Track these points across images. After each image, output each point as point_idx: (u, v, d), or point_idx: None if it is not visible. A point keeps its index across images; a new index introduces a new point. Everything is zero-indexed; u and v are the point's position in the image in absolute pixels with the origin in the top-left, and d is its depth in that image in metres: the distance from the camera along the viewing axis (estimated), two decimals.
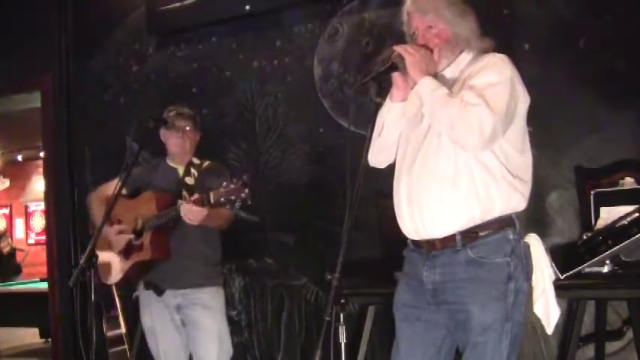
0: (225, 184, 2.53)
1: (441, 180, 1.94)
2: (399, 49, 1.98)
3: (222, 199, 2.52)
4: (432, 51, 2.00)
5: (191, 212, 2.63)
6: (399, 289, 2.14)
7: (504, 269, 1.92)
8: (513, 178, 1.95)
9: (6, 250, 10.01)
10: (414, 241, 2.08)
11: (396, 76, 2.04)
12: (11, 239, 10.63)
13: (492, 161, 1.93)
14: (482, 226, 1.93)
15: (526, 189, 2.00)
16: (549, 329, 2.13)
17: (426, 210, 1.96)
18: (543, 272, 2.13)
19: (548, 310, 2.12)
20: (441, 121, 1.91)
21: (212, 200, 2.56)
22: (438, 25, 2.00)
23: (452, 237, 1.94)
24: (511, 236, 1.95)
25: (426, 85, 1.93)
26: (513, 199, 1.95)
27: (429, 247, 2.00)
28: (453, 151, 1.92)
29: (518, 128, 1.98)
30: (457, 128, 1.86)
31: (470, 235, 1.93)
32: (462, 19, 2.00)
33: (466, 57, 2.05)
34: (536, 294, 2.11)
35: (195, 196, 2.63)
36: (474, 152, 1.90)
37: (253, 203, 2.59)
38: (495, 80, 1.90)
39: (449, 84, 2.00)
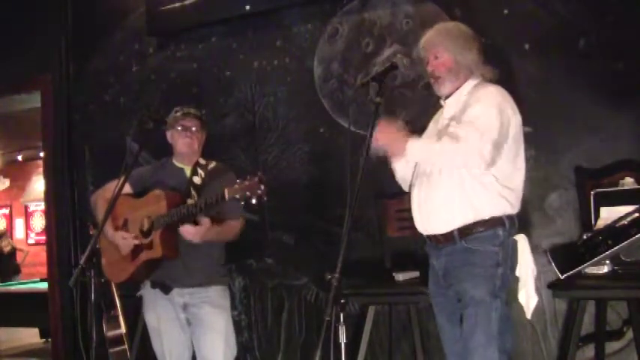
0: (239, 180, 2.53)
1: (441, 192, 2.32)
2: (377, 142, 2.28)
3: (237, 196, 2.52)
4: (437, 78, 2.41)
5: (187, 232, 2.73)
6: (429, 281, 2.54)
7: (494, 257, 2.28)
8: (502, 187, 2.30)
9: (7, 249, 10.03)
10: (427, 236, 2.46)
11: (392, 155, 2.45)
12: (11, 239, 10.64)
13: (484, 175, 2.28)
14: (476, 224, 2.29)
15: (513, 196, 2.34)
16: (528, 315, 2.42)
17: (430, 214, 2.37)
18: (527, 267, 2.41)
19: (528, 298, 2.39)
20: (443, 164, 2.31)
21: (227, 197, 2.56)
22: (443, 55, 2.37)
23: (451, 233, 2.33)
24: (500, 233, 2.30)
25: (412, 151, 2.29)
26: (501, 205, 2.31)
27: (436, 241, 2.40)
28: (451, 173, 2.30)
29: (509, 143, 2.30)
30: (460, 162, 2.25)
31: (465, 231, 2.30)
32: (465, 49, 2.36)
33: (470, 84, 2.39)
34: (520, 285, 2.41)
35: (206, 220, 2.72)
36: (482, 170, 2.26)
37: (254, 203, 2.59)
38: (483, 111, 2.24)
39: (455, 109, 2.37)
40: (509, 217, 2.32)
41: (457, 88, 2.40)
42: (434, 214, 2.35)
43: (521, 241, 2.42)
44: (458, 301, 2.36)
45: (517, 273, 2.42)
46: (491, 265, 2.26)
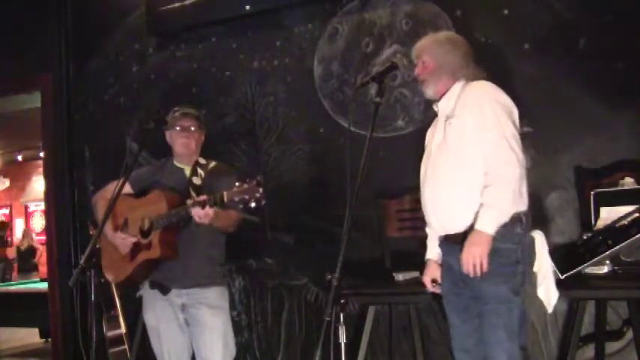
0: (238, 183, 2.51)
1: (459, 190, 2.34)
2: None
3: (235, 199, 2.50)
4: (422, 81, 2.55)
5: (201, 213, 2.62)
6: (442, 279, 2.55)
7: (513, 254, 2.30)
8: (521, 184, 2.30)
9: (24, 247, 10.22)
10: (444, 236, 2.48)
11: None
12: (32, 239, 10.79)
13: None
14: None
15: (526, 192, 2.35)
16: (550, 309, 2.42)
17: (449, 213, 2.39)
18: (547, 262, 2.43)
19: (549, 293, 2.41)
20: (513, 195, 2.28)
21: (225, 199, 2.54)
22: (426, 59, 2.52)
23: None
24: (518, 230, 2.31)
25: (491, 228, 2.27)
26: (518, 202, 2.30)
27: (454, 240, 2.38)
28: (464, 171, 2.33)
29: None
30: (515, 183, 2.26)
31: None
32: (447, 54, 2.49)
33: (459, 85, 2.47)
34: (539, 280, 2.41)
35: (203, 197, 2.62)
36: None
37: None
38: (486, 111, 2.31)
39: (448, 108, 2.44)
40: (525, 213, 2.33)
41: (443, 91, 2.49)
42: (454, 213, 2.37)
43: (538, 237, 2.45)
44: (473, 299, 2.38)
45: (535, 269, 2.44)
46: (512, 263, 2.29)
